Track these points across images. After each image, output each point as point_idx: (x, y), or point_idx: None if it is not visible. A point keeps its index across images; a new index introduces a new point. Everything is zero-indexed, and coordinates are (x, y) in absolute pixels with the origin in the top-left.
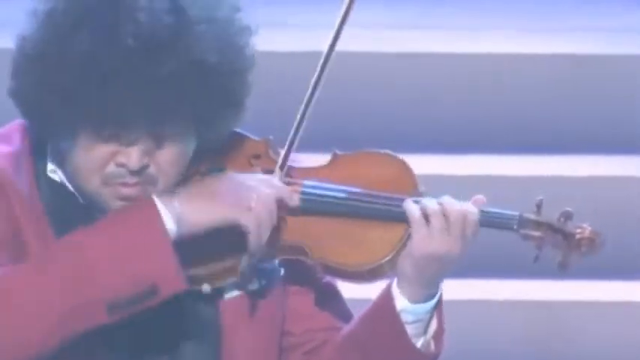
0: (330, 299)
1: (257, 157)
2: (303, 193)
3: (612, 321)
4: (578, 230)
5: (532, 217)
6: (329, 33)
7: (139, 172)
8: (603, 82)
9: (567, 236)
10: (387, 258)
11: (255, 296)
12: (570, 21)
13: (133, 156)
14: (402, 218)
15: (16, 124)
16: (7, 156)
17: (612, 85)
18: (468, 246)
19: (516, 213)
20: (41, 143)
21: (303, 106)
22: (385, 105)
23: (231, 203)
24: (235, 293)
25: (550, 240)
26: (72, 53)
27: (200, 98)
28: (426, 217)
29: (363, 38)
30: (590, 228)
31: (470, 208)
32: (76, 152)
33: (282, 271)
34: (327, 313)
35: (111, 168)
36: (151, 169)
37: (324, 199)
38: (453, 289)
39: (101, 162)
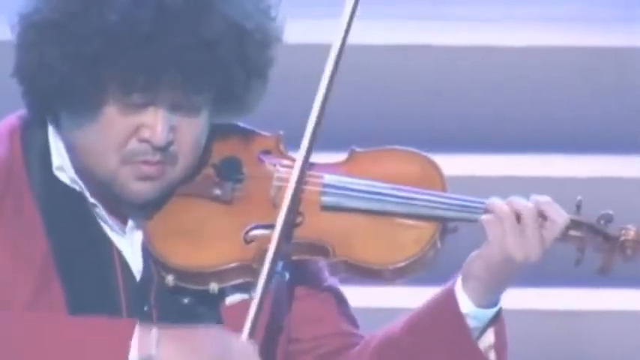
0: (336, 304)
1: (267, 152)
2: (324, 186)
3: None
4: (622, 232)
5: (572, 217)
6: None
7: (164, 148)
8: (625, 75)
9: (609, 238)
10: (415, 257)
11: None
12: (590, 11)
13: (158, 130)
14: (434, 217)
15: (7, 124)
16: None
17: (635, 79)
18: (547, 247)
19: None
20: (39, 140)
21: (317, 109)
22: (397, 99)
23: None
24: (238, 298)
25: (591, 242)
26: (105, 15)
27: (234, 65)
28: (499, 217)
29: (374, 30)
30: (635, 229)
31: (545, 204)
32: (96, 128)
33: (287, 276)
34: (334, 317)
35: (133, 144)
36: (174, 148)
37: (348, 194)
38: None
39: (123, 137)
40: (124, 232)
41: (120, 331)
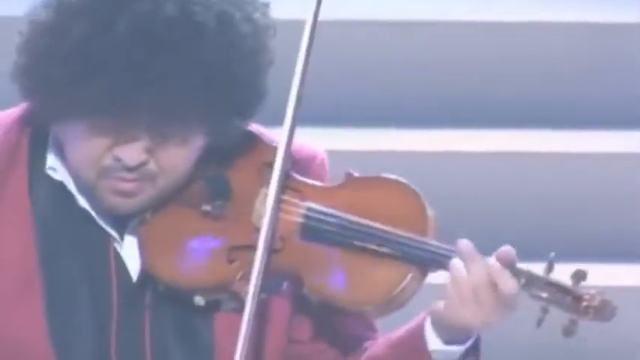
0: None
1: (269, 164)
2: (305, 217)
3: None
4: (586, 296)
5: (541, 276)
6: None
7: (136, 168)
8: (624, 52)
9: (576, 299)
10: (384, 301)
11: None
12: None
13: (130, 152)
14: (410, 260)
15: (17, 111)
16: None
17: (633, 57)
18: (511, 309)
19: (525, 270)
20: (42, 135)
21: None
22: (392, 76)
23: None
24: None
25: (558, 301)
26: (109, 38)
27: (221, 106)
28: (456, 283)
29: (362, 5)
30: (600, 297)
31: (503, 277)
32: (75, 142)
33: (284, 285)
34: (324, 331)
35: (108, 161)
36: (151, 166)
37: (327, 228)
38: None
39: (98, 153)
40: (122, 234)
41: None
